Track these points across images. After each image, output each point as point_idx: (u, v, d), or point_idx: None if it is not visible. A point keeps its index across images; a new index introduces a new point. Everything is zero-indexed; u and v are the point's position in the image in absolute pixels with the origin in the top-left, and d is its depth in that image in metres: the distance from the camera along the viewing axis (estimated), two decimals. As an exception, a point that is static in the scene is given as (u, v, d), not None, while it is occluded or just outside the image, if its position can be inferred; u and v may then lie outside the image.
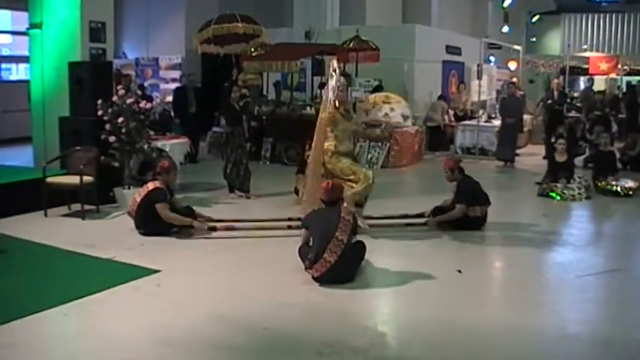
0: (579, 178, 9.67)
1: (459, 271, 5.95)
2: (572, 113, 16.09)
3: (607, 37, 29.82)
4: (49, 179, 7.92)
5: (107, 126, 8.15)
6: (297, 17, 15.81)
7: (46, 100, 9.25)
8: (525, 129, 14.73)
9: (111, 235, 7.10)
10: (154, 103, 12.07)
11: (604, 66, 22.52)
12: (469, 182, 7.60)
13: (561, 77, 18.24)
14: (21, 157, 10.76)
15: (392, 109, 7.71)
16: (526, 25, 29.15)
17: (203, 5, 15.74)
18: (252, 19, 11.66)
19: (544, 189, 9.55)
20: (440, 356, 4.34)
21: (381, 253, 6.46)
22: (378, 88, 13.40)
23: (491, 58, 20.64)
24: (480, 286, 5.84)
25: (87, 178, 7.82)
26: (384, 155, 12.29)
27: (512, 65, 20.90)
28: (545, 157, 12.04)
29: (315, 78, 14.59)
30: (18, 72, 17.69)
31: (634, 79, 22.45)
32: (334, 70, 7.36)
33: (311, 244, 5.73)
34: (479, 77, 14.57)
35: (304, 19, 15.50)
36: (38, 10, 9.22)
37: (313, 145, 7.44)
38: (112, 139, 8.16)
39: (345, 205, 6.20)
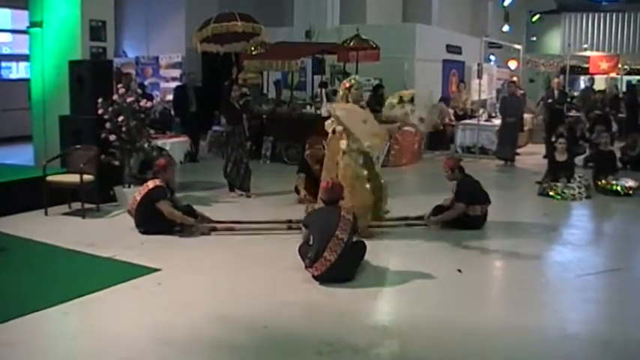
0: (579, 177, 9.66)
1: (459, 271, 5.95)
2: (573, 113, 16.08)
3: (607, 36, 29.81)
4: (50, 178, 7.92)
5: (107, 125, 8.14)
6: (298, 16, 15.80)
7: (47, 98, 9.25)
8: (526, 128, 14.72)
9: (111, 234, 7.11)
10: (154, 101, 12.05)
11: (604, 65, 22.51)
12: (469, 181, 7.60)
13: (561, 76, 18.23)
14: (21, 155, 10.75)
15: (412, 110, 7.53)
16: (526, 25, 29.14)
17: (203, 4, 15.73)
18: (252, 17, 11.65)
19: (544, 188, 9.54)
20: (440, 355, 4.34)
21: (381, 252, 6.47)
22: (378, 87, 13.39)
23: (492, 57, 20.63)
24: (480, 285, 5.85)
25: (87, 177, 7.82)
26: (384, 154, 12.27)
27: (513, 64, 20.89)
28: (545, 157, 12.03)
29: (315, 77, 14.59)
30: (18, 70, 17.67)
31: (634, 78, 22.45)
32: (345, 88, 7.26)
33: (311, 242, 5.73)
34: (479, 76, 14.56)
35: (304, 18, 15.49)
36: (39, 8, 9.22)
37: (327, 155, 7.29)
38: (112, 137, 8.15)
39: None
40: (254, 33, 11.75)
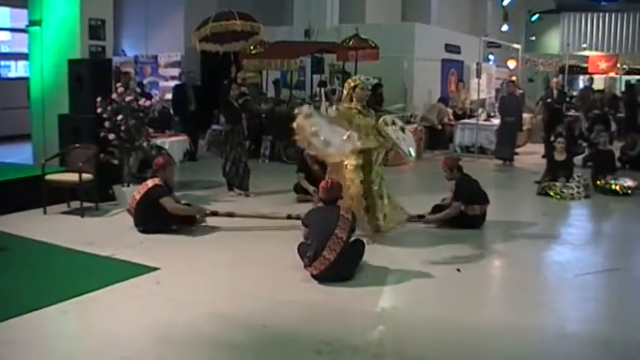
0: (578, 177, 9.67)
1: (458, 270, 5.96)
2: (572, 112, 16.09)
3: (606, 36, 29.85)
4: (49, 176, 7.91)
5: (106, 123, 8.13)
6: (297, 15, 15.81)
7: (46, 97, 9.24)
8: (524, 128, 14.73)
9: (110, 233, 7.10)
10: (153, 100, 12.04)
11: (603, 65, 22.52)
12: (468, 181, 7.61)
13: (560, 76, 18.22)
14: (20, 154, 10.74)
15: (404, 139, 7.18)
16: (525, 24, 29.18)
17: (202, 3, 15.71)
18: (250, 16, 11.65)
19: (543, 188, 9.55)
20: (439, 355, 4.34)
21: (380, 251, 6.46)
22: (377, 87, 13.38)
23: (491, 57, 20.65)
24: (479, 284, 5.85)
25: (86, 176, 7.81)
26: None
27: (512, 64, 20.91)
28: (544, 156, 12.04)
29: (314, 76, 14.59)
30: (17, 69, 17.67)
31: (633, 78, 22.46)
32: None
33: (310, 242, 5.73)
34: (478, 76, 14.57)
35: (304, 17, 15.50)
36: (38, 7, 9.21)
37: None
38: (111, 136, 8.15)
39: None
40: (253, 32, 11.75)
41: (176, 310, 4.94)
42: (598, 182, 9.84)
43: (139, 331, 4.55)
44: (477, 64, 14.63)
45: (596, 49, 27.59)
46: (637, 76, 22.75)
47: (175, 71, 16.78)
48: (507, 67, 20.92)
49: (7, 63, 18.00)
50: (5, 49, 19.59)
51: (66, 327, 4.78)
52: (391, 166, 12.00)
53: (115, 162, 8.32)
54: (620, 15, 29.43)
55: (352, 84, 7.03)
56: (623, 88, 21.05)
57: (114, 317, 4.80)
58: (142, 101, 8.46)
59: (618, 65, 22.44)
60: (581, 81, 24.46)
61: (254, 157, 11.60)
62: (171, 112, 12.89)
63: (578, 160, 11.43)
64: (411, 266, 6.05)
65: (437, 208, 7.59)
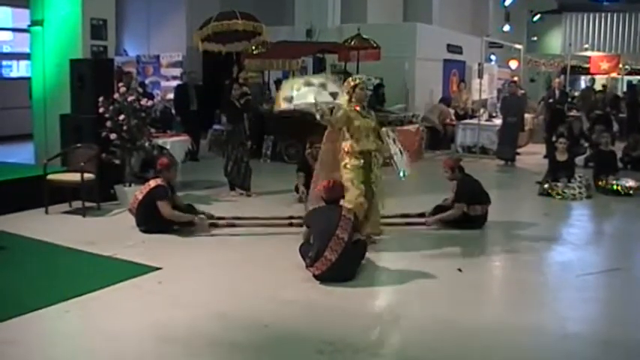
0: (580, 177, 9.66)
1: (460, 270, 5.96)
2: (573, 112, 16.08)
3: (608, 36, 29.82)
4: (50, 176, 7.92)
5: (108, 123, 8.14)
6: (299, 15, 15.81)
7: (47, 97, 9.25)
8: (526, 128, 14.71)
9: (112, 233, 7.11)
10: (154, 100, 12.05)
11: (605, 65, 22.47)
12: (469, 181, 7.61)
13: (562, 76, 18.21)
14: (22, 154, 10.76)
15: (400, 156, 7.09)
16: (527, 24, 29.15)
17: (204, 3, 15.72)
18: (253, 16, 11.63)
19: (545, 188, 9.54)
20: (440, 355, 4.34)
21: (381, 252, 6.47)
22: (378, 87, 13.38)
23: (492, 57, 20.62)
24: (481, 285, 5.85)
25: (88, 176, 7.82)
26: (381, 158, 12.23)
27: (513, 64, 20.89)
28: (545, 157, 12.03)
29: (316, 76, 14.57)
30: (19, 69, 17.68)
31: (635, 78, 22.43)
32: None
33: (312, 242, 5.73)
34: (480, 76, 14.56)
35: (306, 17, 15.50)
36: (39, 7, 9.22)
37: (323, 149, 7.09)
38: (113, 136, 8.16)
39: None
40: (255, 32, 11.74)
41: (177, 310, 4.95)
42: (600, 183, 9.83)
43: (140, 330, 4.56)
44: (479, 64, 14.62)
45: (598, 50, 27.56)
46: (639, 77, 22.73)
47: (177, 71, 16.79)
48: (509, 68, 20.89)
49: (9, 63, 18.00)
50: (7, 49, 19.61)
51: (67, 327, 4.78)
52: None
53: (117, 162, 8.33)
54: (622, 15, 29.40)
55: (352, 83, 6.92)
56: (624, 89, 21.04)
57: (115, 317, 4.81)
58: (143, 101, 8.47)
59: (620, 65, 22.42)
60: (583, 81, 24.45)
61: (256, 157, 11.59)
62: (173, 112, 12.91)
63: (579, 160, 11.42)
64: (412, 266, 6.05)
65: (438, 209, 7.59)
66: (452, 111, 15.33)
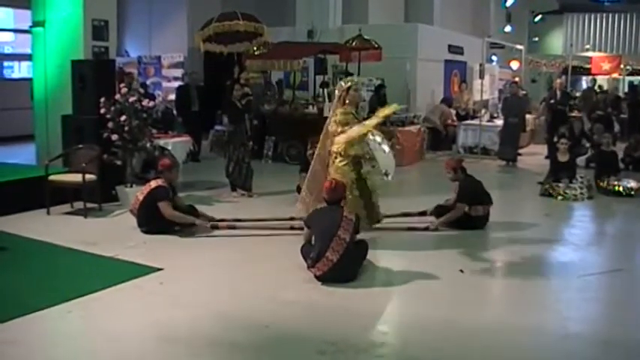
0: (581, 178, 9.65)
1: (461, 271, 5.96)
2: (575, 113, 16.07)
3: (610, 37, 29.78)
4: (52, 177, 7.93)
5: (110, 124, 8.15)
6: (300, 16, 15.82)
7: (49, 98, 9.26)
8: (528, 128, 14.72)
9: (113, 233, 7.11)
10: (156, 101, 12.06)
11: (606, 66, 22.45)
12: (471, 182, 7.61)
13: (564, 77, 18.20)
14: (23, 155, 10.77)
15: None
16: (528, 25, 29.11)
17: (205, 4, 15.74)
18: (254, 17, 11.64)
19: (546, 189, 9.54)
20: (441, 355, 4.34)
21: (383, 252, 6.47)
22: (380, 88, 13.39)
23: (494, 58, 20.63)
24: (482, 285, 5.84)
25: (89, 176, 7.83)
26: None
27: (515, 65, 20.89)
28: (547, 157, 12.03)
29: (317, 77, 14.60)
30: (20, 70, 17.71)
31: (636, 79, 22.40)
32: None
33: (313, 242, 5.73)
34: (481, 77, 14.57)
35: (307, 17, 15.51)
36: (41, 8, 9.23)
37: (318, 149, 7.16)
38: (114, 137, 8.16)
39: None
40: (256, 33, 11.75)
41: (179, 311, 4.95)
42: (601, 183, 9.83)
43: (142, 331, 4.56)
44: (480, 65, 14.62)
45: (600, 50, 27.53)
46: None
47: (178, 72, 16.81)
48: (510, 68, 20.89)
49: (11, 64, 18.04)
50: (8, 50, 19.65)
51: (69, 327, 4.79)
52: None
53: (118, 163, 8.33)
54: (624, 16, 29.37)
55: (345, 86, 6.88)
56: (625, 89, 21.01)
57: (116, 317, 4.81)
58: (145, 102, 8.47)
59: (621, 66, 22.40)
60: (584, 82, 24.42)
61: (257, 158, 11.61)
62: (175, 112, 12.91)
63: (580, 161, 11.42)
64: (413, 267, 6.05)
65: (439, 208, 7.59)
66: (453, 112, 15.33)
